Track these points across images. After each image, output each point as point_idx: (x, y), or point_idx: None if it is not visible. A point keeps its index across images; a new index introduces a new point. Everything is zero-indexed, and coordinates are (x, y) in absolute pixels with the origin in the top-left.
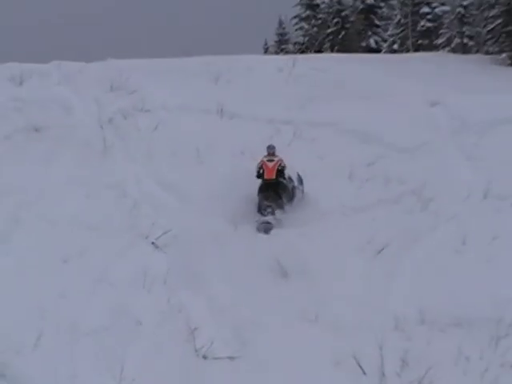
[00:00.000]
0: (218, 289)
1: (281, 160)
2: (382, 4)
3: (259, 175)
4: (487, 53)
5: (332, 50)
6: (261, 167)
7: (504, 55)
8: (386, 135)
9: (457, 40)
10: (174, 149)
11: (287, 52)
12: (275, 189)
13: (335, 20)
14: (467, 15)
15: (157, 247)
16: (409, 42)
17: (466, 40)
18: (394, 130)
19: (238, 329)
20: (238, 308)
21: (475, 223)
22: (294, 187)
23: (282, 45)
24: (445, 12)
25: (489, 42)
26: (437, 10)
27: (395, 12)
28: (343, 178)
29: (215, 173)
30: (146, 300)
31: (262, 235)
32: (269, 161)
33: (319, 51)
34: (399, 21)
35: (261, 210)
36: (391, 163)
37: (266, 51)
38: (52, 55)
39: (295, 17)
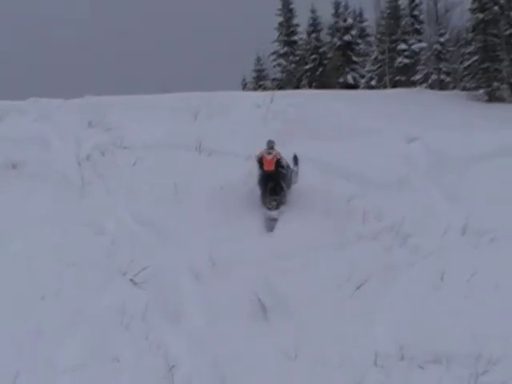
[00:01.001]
0: (196, 325)
1: (278, 153)
2: (360, 40)
3: (260, 166)
4: (464, 89)
5: (310, 86)
6: (260, 160)
7: (481, 91)
8: (364, 171)
9: (434, 76)
10: (152, 185)
11: (265, 88)
12: (276, 179)
13: (313, 56)
14: (444, 52)
15: (135, 284)
16: (386, 78)
17: (443, 76)
18: (372, 166)
19: (216, 366)
20: (217, 345)
21: (453, 259)
22: (291, 173)
23: (260, 81)
24: (422, 49)
25: (466, 79)
26: (414, 46)
27: (372, 48)
28: (321, 214)
29: (194, 209)
30: (125, 337)
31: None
32: (268, 154)
33: (297, 87)
34: (376, 57)
35: (265, 203)
36: (369, 199)
37: (244, 87)
38: (30, 91)
39: (273, 53)
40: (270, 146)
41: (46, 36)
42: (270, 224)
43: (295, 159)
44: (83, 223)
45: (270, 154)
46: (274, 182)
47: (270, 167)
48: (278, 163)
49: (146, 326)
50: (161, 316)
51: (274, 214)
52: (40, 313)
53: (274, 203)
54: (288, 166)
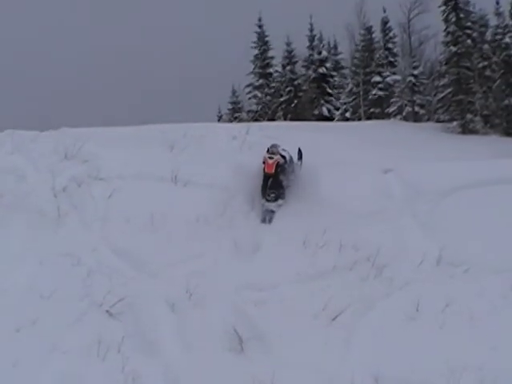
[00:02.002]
0: (173, 357)
1: (279, 158)
2: (334, 73)
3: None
4: (438, 121)
5: (285, 118)
6: (264, 162)
7: (454, 123)
8: (340, 201)
9: (408, 108)
10: (128, 216)
11: (241, 120)
12: (276, 178)
13: (288, 88)
14: (418, 84)
15: (111, 315)
16: (361, 110)
17: (417, 108)
18: (347, 197)
19: None
20: (193, 377)
21: (429, 290)
22: (294, 167)
23: (235, 113)
24: (396, 81)
25: (439, 111)
26: (388, 79)
27: (347, 81)
28: (298, 245)
29: (170, 240)
30: (101, 368)
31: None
32: (270, 158)
33: (272, 119)
34: (351, 89)
35: (265, 195)
36: (345, 230)
37: (219, 119)
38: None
39: (248, 85)
40: (272, 151)
41: (20, 68)
42: (267, 215)
43: (300, 153)
44: (59, 254)
45: (271, 158)
46: (274, 180)
47: (270, 170)
48: (278, 166)
49: (122, 358)
50: (137, 348)
51: (271, 205)
52: (15, 345)
53: (273, 195)
54: (291, 161)
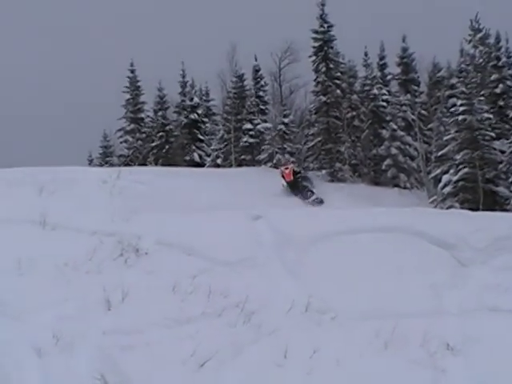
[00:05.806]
0: None
1: (293, 166)
2: (206, 119)
3: (284, 179)
4: (308, 169)
5: (156, 164)
6: (282, 176)
7: (324, 172)
8: (209, 249)
9: (278, 156)
10: None
11: (112, 164)
12: (298, 184)
13: (159, 134)
14: (288, 132)
15: None
16: (232, 157)
17: (287, 156)
18: (217, 244)
19: None
20: None
21: (296, 336)
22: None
23: (106, 157)
24: (266, 128)
25: (309, 159)
26: (259, 126)
27: (218, 127)
28: (167, 291)
29: (38, 285)
30: None
31: None
32: (285, 169)
33: (144, 164)
34: (222, 136)
35: (305, 198)
36: (215, 276)
37: (90, 163)
38: None
39: (120, 130)
40: (286, 163)
41: None
42: (315, 202)
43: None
44: None
45: (286, 168)
46: (295, 185)
47: (289, 178)
48: (295, 172)
49: None
50: None
51: (314, 198)
52: None
53: (310, 193)
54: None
